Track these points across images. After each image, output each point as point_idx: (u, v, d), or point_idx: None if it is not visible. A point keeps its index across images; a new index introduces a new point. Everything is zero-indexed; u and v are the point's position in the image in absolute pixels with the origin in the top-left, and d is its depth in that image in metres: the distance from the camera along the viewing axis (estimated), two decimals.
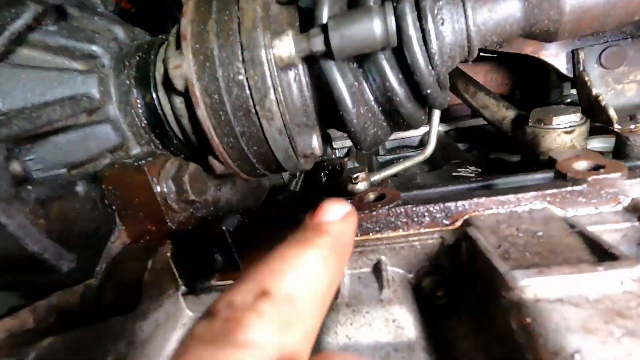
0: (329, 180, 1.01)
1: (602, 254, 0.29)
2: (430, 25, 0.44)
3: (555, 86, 1.14)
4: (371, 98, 0.50)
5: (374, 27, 0.41)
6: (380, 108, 0.51)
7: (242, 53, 0.45)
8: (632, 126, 0.64)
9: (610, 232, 0.36)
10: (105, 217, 0.47)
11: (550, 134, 0.65)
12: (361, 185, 0.73)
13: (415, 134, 1.21)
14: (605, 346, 0.23)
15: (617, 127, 0.65)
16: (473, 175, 0.88)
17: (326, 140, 0.58)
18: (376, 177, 0.81)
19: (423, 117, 0.55)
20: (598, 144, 0.85)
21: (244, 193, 0.84)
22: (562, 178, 0.40)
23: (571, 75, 0.74)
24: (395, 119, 0.52)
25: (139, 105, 0.55)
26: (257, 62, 0.45)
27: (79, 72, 0.51)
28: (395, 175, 0.90)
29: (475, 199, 0.41)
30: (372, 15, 0.41)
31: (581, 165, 0.41)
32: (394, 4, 0.44)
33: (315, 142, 0.52)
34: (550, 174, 0.50)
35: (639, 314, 0.24)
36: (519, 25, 0.46)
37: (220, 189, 0.77)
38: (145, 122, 0.56)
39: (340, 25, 0.42)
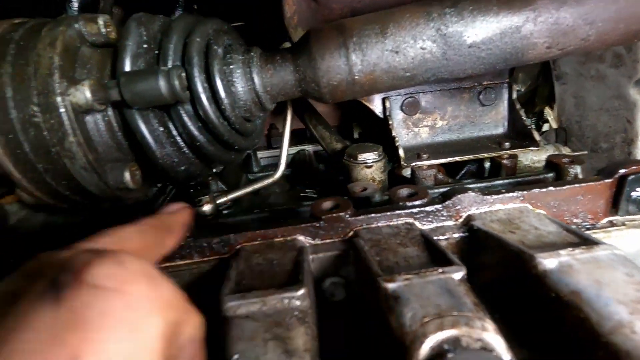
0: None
1: (295, 279, 0.41)
2: (219, 85, 0.53)
3: None
4: (179, 140, 0.57)
5: (160, 86, 0.48)
6: (189, 149, 0.58)
7: (37, 97, 0.48)
8: (414, 163, 0.83)
9: (330, 258, 0.48)
10: None
11: (356, 167, 0.80)
12: (206, 208, 0.80)
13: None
14: (256, 347, 0.33)
15: (403, 163, 0.83)
16: (315, 195, 1.02)
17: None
18: (222, 200, 0.88)
19: (233, 157, 0.64)
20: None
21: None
22: (312, 216, 0.53)
23: (382, 117, 0.92)
24: (205, 158, 0.60)
25: None
26: (52, 107, 0.48)
27: None
28: (257, 192, 0.99)
29: (246, 233, 0.51)
30: (158, 76, 0.48)
31: (327, 205, 0.54)
32: (186, 66, 0.52)
33: (128, 176, 0.56)
34: None
35: (287, 324, 0.36)
36: (297, 90, 0.58)
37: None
38: None
39: (130, 82, 0.48)
